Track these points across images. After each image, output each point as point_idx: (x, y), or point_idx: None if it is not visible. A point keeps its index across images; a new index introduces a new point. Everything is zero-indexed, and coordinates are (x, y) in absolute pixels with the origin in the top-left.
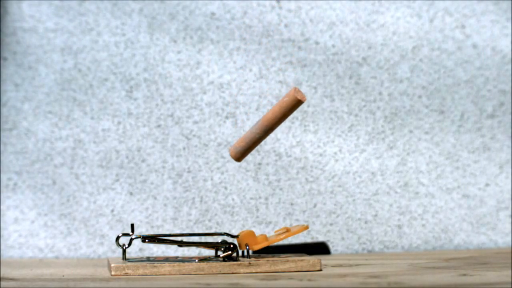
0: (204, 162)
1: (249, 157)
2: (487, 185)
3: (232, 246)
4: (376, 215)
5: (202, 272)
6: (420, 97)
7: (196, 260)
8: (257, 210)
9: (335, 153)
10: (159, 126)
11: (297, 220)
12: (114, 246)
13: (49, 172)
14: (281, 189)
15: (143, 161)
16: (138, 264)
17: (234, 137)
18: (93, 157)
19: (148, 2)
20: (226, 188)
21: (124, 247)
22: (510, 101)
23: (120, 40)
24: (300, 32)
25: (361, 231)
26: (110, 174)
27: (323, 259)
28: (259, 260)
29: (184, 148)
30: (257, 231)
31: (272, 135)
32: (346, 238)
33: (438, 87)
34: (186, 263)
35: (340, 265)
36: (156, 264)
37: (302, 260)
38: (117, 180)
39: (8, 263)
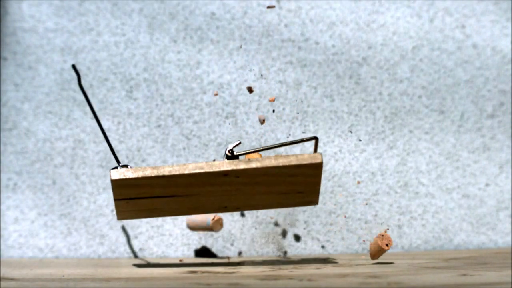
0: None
1: None
2: (487, 185)
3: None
4: (376, 215)
5: (202, 170)
6: (420, 97)
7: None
8: (257, 210)
9: (335, 153)
10: (159, 126)
11: (297, 220)
12: (114, 246)
13: (49, 172)
14: None
15: (143, 161)
16: (138, 167)
17: (234, 137)
18: (93, 157)
19: (148, 2)
20: None
21: None
22: (510, 101)
23: (120, 40)
24: (300, 32)
25: (361, 231)
26: None
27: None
28: (260, 157)
29: (184, 148)
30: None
31: (272, 135)
32: (346, 238)
33: (438, 87)
34: (187, 164)
35: (340, 265)
36: (157, 165)
37: (302, 154)
38: None
39: (8, 263)
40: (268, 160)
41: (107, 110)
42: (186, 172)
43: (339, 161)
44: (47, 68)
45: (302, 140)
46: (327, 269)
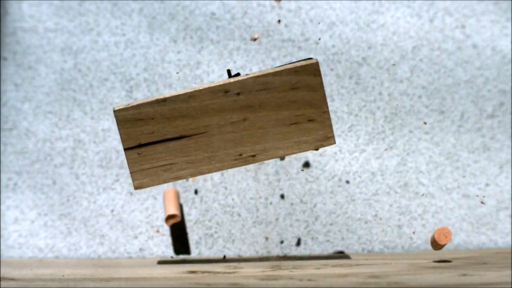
0: None
1: None
2: (487, 185)
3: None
4: (376, 215)
5: (201, 87)
6: (420, 97)
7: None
8: (257, 210)
9: (335, 153)
10: None
11: (297, 220)
12: (114, 246)
13: (49, 172)
14: (281, 189)
15: None
16: (140, 99)
17: None
18: (93, 157)
19: (148, 2)
20: (226, 188)
21: None
22: (510, 101)
23: (120, 40)
24: (300, 32)
25: (361, 231)
26: (110, 174)
27: None
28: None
29: None
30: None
31: None
32: (346, 238)
33: (438, 87)
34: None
35: (340, 265)
36: (162, 96)
37: (299, 61)
38: (117, 180)
39: (8, 263)
40: (265, 70)
41: (107, 110)
42: (187, 91)
43: (339, 161)
44: (47, 68)
45: (298, 62)
46: (327, 269)
